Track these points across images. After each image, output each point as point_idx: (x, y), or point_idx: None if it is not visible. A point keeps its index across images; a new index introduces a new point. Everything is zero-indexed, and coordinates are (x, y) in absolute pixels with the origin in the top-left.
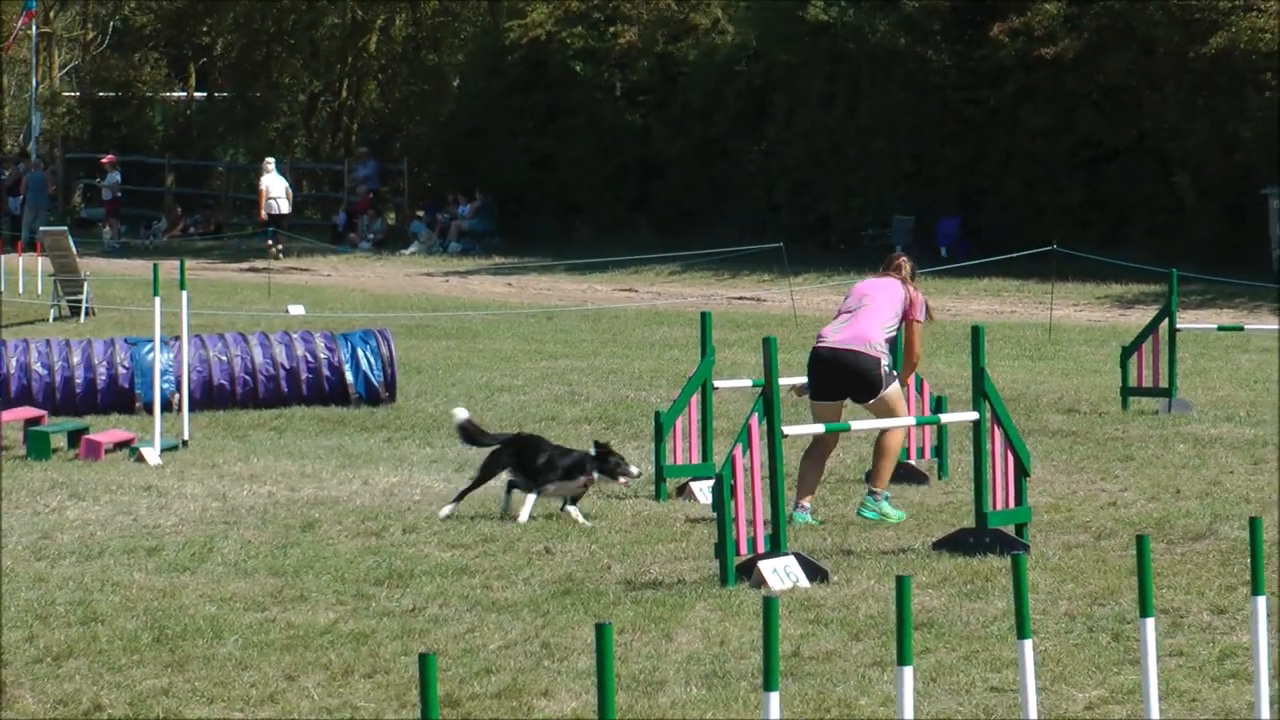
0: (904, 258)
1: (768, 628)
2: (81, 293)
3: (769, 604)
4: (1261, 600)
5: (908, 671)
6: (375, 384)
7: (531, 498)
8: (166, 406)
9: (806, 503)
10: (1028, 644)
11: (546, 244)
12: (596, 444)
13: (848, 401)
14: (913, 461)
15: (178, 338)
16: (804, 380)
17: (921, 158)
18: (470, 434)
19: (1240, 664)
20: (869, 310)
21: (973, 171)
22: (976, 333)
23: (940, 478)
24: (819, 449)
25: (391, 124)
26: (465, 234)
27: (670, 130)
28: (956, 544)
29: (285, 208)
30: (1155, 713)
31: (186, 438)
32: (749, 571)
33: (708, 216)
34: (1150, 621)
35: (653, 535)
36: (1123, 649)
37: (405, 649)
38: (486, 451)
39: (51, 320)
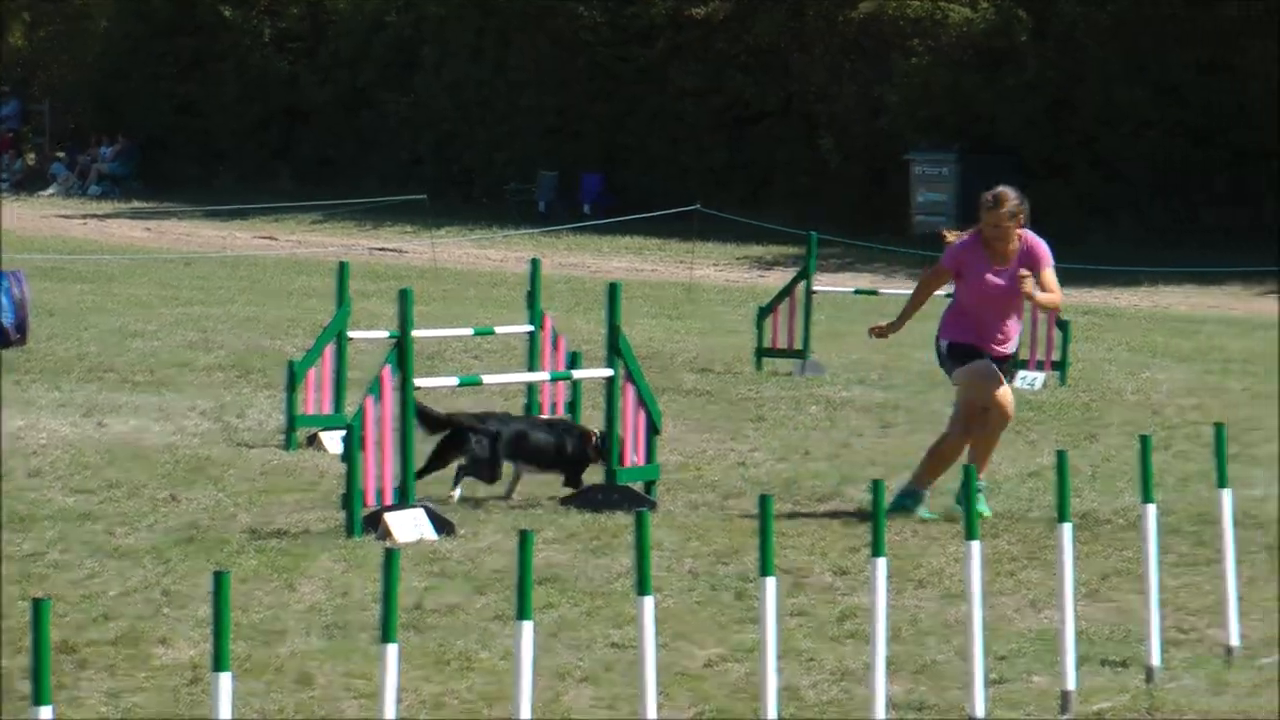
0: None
1: (387, 579)
2: None
3: (389, 556)
4: (881, 561)
5: (527, 625)
6: (6, 325)
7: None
8: None
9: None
10: (648, 600)
11: (188, 190)
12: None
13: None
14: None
15: None
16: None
17: (568, 113)
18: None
19: (859, 624)
20: None
21: (619, 129)
22: (613, 289)
23: None
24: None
25: (35, 63)
26: (105, 177)
27: (318, 78)
28: (585, 500)
29: None
30: (772, 671)
31: None
32: (376, 523)
33: (352, 166)
34: (771, 580)
35: (281, 485)
36: (744, 607)
37: (23, 594)
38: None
39: None
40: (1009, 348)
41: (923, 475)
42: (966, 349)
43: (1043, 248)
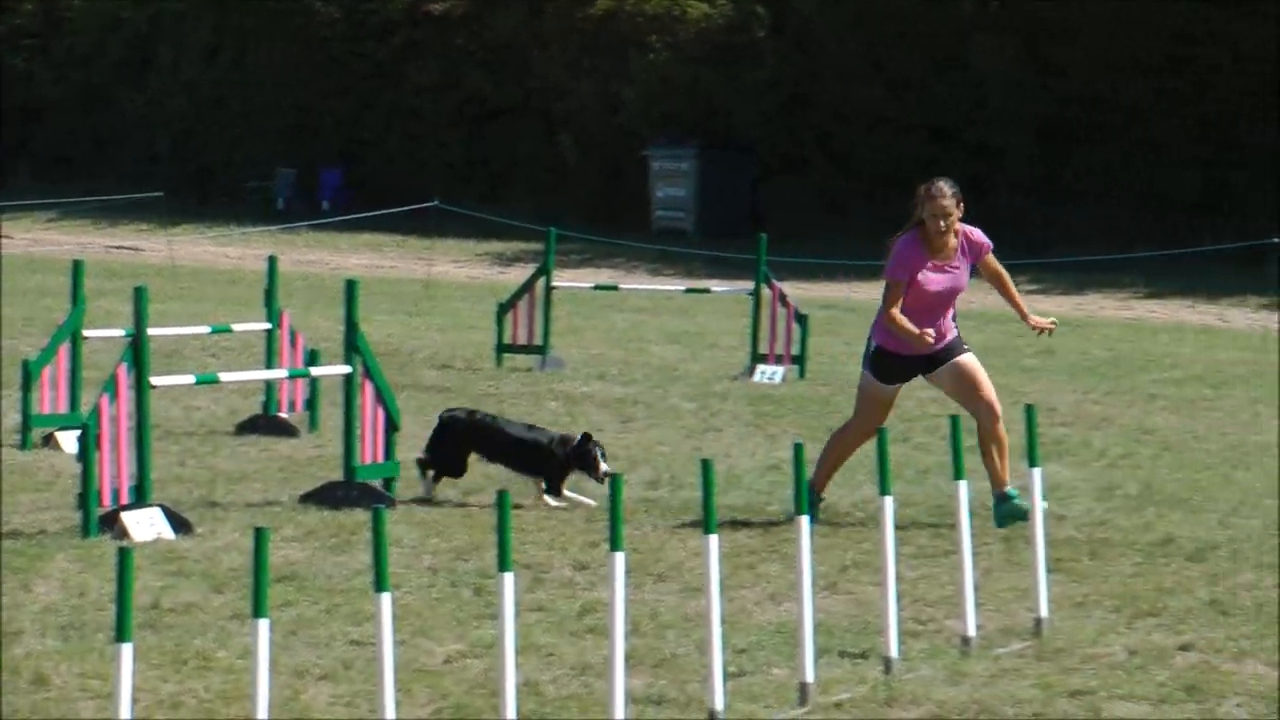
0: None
1: (121, 579)
2: None
3: (123, 554)
4: (619, 556)
5: (264, 624)
6: None
7: None
8: None
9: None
10: (386, 597)
11: None
12: None
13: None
14: (283, 415)
15: None
16: None
17: (305, 110)
18: None
19: (599, 619)
20: None
21: (356, 125)
22: (350, 286)
23: (311, 431)
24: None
25: None
26: None
27: (53, 75)
28: (324, 497)
29: None
30: (511, 667)
31: None
32: (112, 523)
33: (89, 164)
34: (509, 576)
35: (16, 485)
36: (484, 603)
37: None
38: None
39: None
40: (944, 343)
41: (819, 475)
42: (894, 362)
43: (980, 235)
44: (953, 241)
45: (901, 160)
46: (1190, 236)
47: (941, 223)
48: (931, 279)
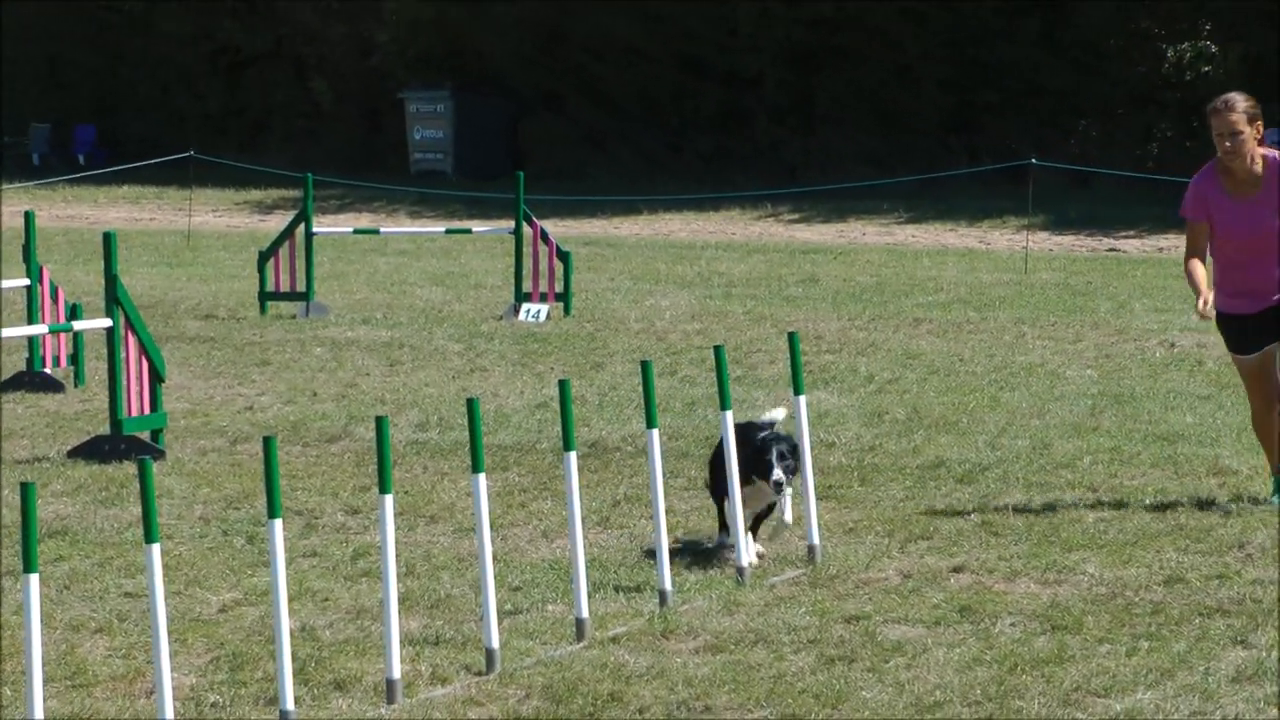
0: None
1: None
2: None
3: None
4: (389, 499)
5: (34, 579)
6: None
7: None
8: None
9: None
10: (156, 548)
11: None
12: None
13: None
14: (48, 370)
15: None
16: None
17: (57, 63)
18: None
19: (373, 562)
20: None
21: (110, 76)
22: (109, 239)
23: (77, 385)
24: None
25: None
26: None
27: None
28: (92, 451)
29: None
30: (285, 611)
31: None
32: None
33: None
34: (278, 523)
35: None
36: (257, 551)
37: None
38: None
39: None
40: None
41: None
42: (1232, 325)
43: None
44: (1256, 169)
45: (657, 92)
46: (947, 159)
47: (1227, 143)
48: (1232, 216)
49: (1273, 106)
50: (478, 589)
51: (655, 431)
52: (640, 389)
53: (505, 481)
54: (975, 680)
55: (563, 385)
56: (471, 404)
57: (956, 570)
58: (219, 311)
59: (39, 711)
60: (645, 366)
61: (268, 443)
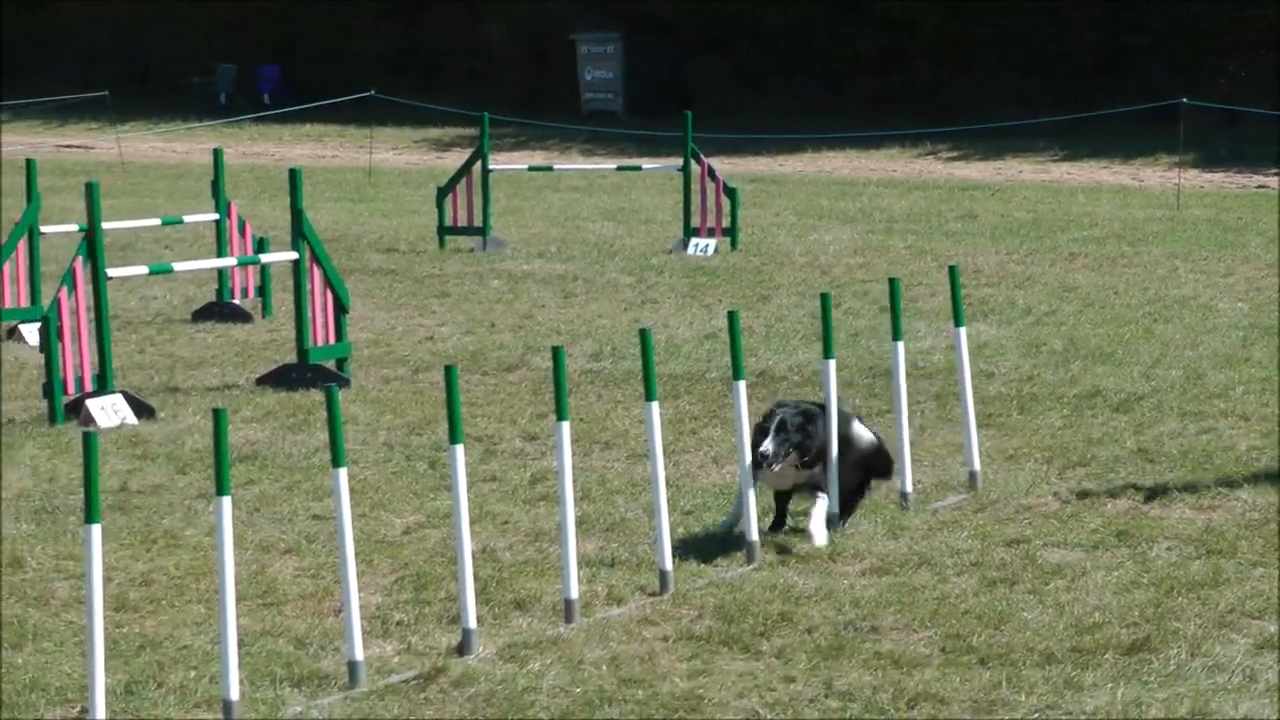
0: None
1: (88, 462)
2: None
3: (88, 439)
4: (566, 426)
5: (226, 501)
6: None
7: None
8: None
9: None
10: (343, 472)
11: None
12: None
13: None
14: (237, 301)
15: None
16: None
17: (241, 6)
18: None
19: (550, 487)
20: None
21: (290, 20)
22: (294, 175)
23: (264, 316)
24: None
25: None
26: None
27: None
28: (280, 379)
29: None
30: (466, 533)
31: None
32: (77, 409)
33: (33, 67)
34: (460, 448)
35: None
36: (439, 476)
37: None
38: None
39: None
40: None
41: None
42: None
43: None
44: None
45: (817, 35)
46: (1098, 99)
47: None
48: None
49: None
50: (651, 512)
51: (831, 362)
52: (805, 321)
53: (676, 409)
54: (1133, 602)
55: (732, 316)
56: (644, 335)
57: (1113, 496)
58: (400, 245)
59: (232, 628)
60: (824, 299)
61: (449, 371)
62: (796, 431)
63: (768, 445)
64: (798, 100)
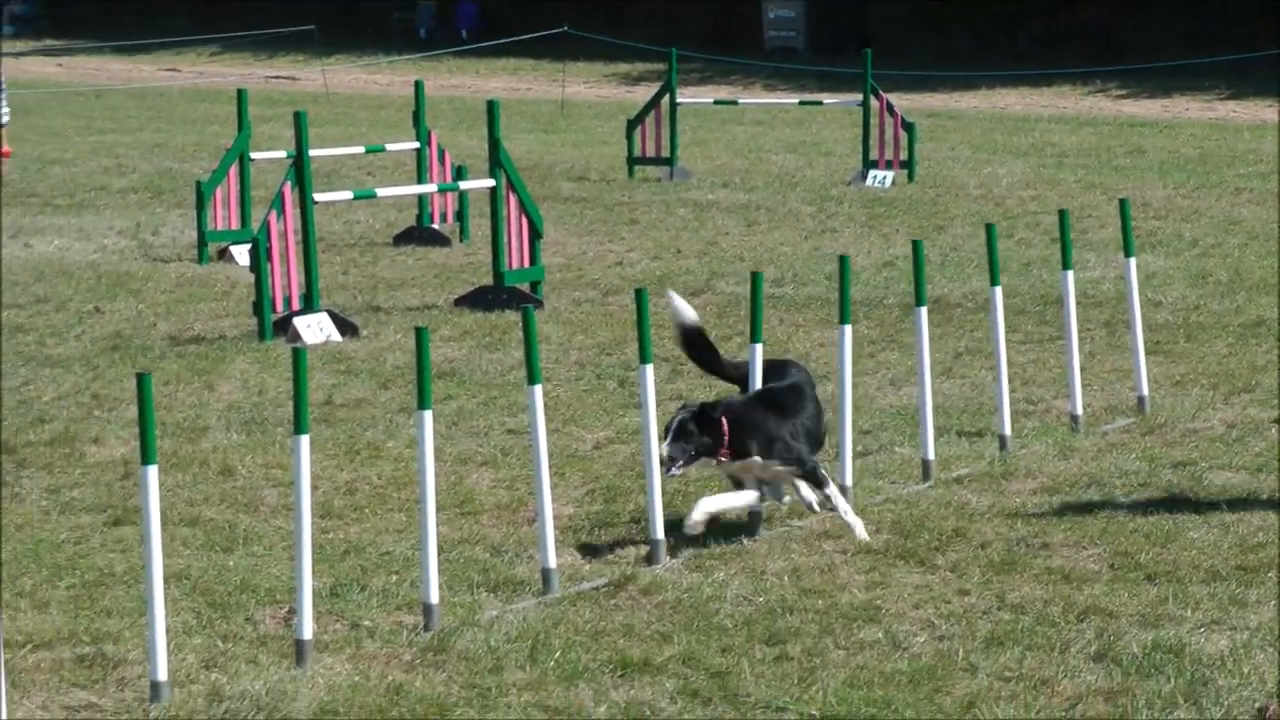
0: None
1: (297, 376)
2: None
3: (298, 355)
4: (758, 347)
5: (428, 416)
6: None
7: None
8: None
9: None
10: (537, 389)
11: (91, 28)
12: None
13: None
14: (436, 226)
15: None
16: None
17: None
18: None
19: None
20: None
21: None
22: (491, 107)
23: (462, 240)
24: None
25: None
26: (17, 18)
27: None
28: (476, 300)
29: None
30: (655, 449)
31: None
32: (285, 327)
33: (242, 2)
34: (649, 368)
35: (196, 295)
36: (627, 394)
37: None
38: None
39: None
40: None
41: None
42: None
43: None
44: None
45: None
46: (1267, 40)
47: None
48: None
49: None
50: (833, 430)
51: (998, 289)
52: (979, 251)
53: (856, 333)
54: None
55: (916, 245)
56: (843, 260)
57: (1278, 421)
58: (590, 174)
59: (432, 536)
60: (990, 230)
61: (639, 294)
62: (692, 437)
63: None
64: (973, 39)
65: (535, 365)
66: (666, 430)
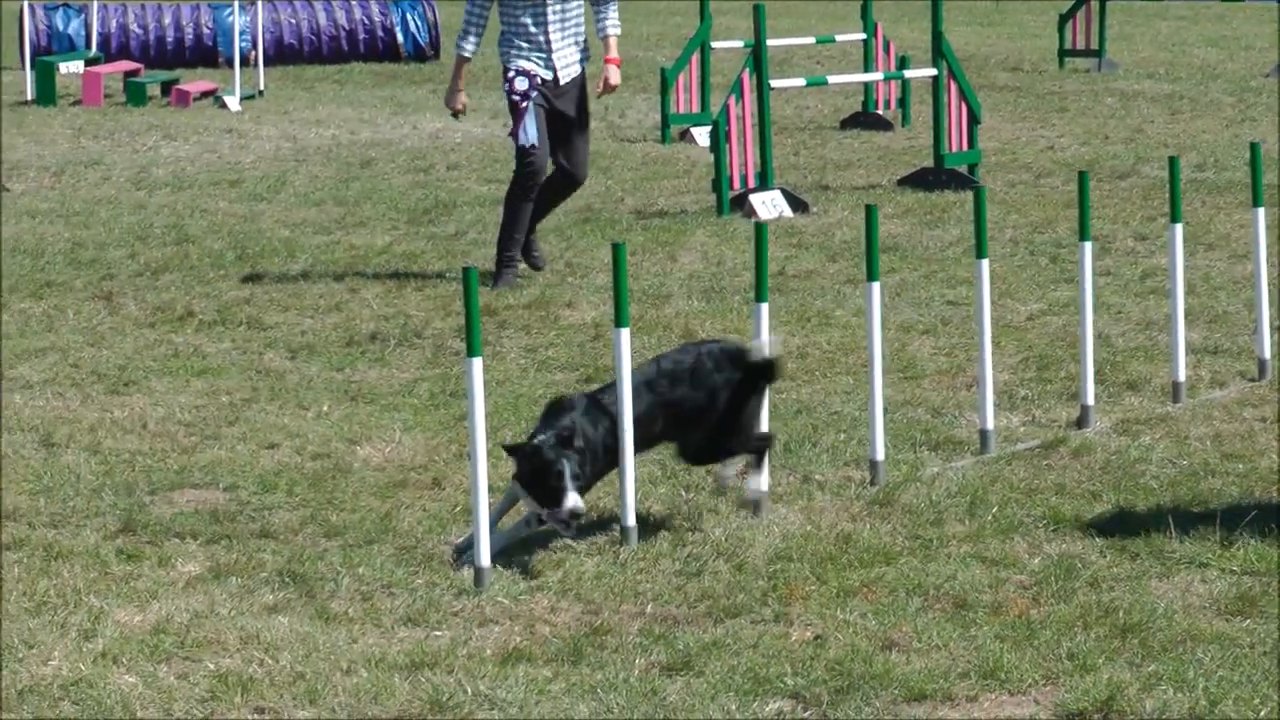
0: None
1: (758, 249)
2: None
3: (759, 229)
4: (1178, 228)
5: (875, 287)
6: (421, 44)
7: None
8: (245, 61)
9: None
10: (984, 263)
11: None
12: None
13: None
14: (880, 111)
15: (254, 2)
16: None
17: None
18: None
19: (1159, 282)
20: None
21: None
22: (936, 1)
23: (904, 125)
24: None
25: None
26: None
27: None
28: (918, 181)
29: None
30: (1089, 321)
31: (262, 88)
32: (741, 203)
33: None
34: (1088, 245)
35: (659, 173)
36: (1059, 269)
37: (449, 267)
38: None
39: None
40: None
41: None
42: None
43: None
44: None
45: None
46: None
47: None
48: None
49: None
50: (1250, 306)
51: None
52: None
53: (1274, 217)
54: None
55: None
56: (1254, 147)
57: None
58: (1023, 65)
59: (879, 397)
60: None
61: (1081, 176)
62: (583, 465)
63: (573, 502)
64: None
65: (983, 240)
66: (558, 478)
